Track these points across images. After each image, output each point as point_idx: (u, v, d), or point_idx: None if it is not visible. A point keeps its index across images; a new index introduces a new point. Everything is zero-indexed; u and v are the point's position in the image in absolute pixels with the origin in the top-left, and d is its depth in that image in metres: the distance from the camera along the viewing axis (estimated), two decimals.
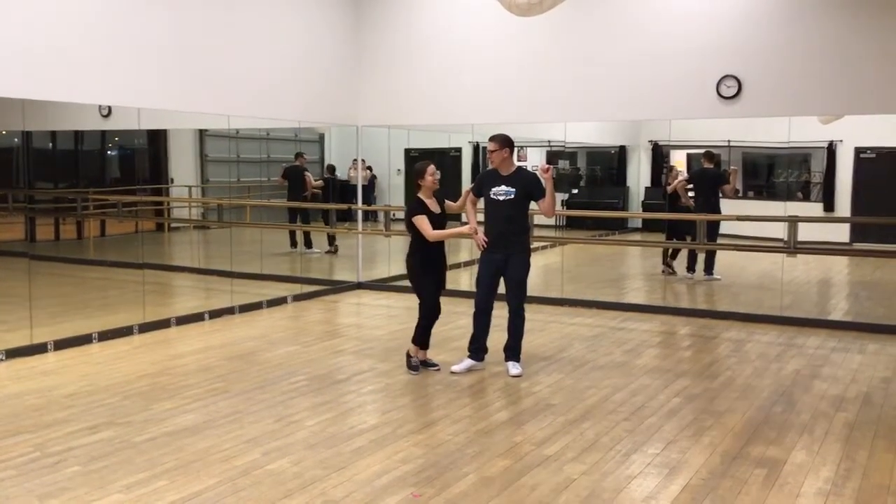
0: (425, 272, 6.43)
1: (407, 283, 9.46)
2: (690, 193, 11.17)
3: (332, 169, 13.88)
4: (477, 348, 6.54)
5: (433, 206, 6.38)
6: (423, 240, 6.31)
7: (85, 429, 5.09)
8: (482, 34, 9.88)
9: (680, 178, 11.34)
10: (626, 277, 12.88)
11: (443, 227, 6.38)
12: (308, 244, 12.96)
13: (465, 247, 13.31)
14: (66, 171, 12.02)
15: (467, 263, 11.80)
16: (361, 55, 10.60)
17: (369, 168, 14.84)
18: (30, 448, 4.74)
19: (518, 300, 6.47)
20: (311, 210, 12.97)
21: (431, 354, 6.65)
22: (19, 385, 6.15)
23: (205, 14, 8.48)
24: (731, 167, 11.63)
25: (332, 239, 13.14)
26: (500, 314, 6.59)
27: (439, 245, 6.42)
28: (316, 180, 13.25)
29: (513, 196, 6.29)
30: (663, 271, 11.34)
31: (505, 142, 6.41)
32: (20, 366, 6.72)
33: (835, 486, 4.27)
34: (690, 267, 11.17)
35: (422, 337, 6.52)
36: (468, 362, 6.52)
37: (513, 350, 6.54)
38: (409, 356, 6.58)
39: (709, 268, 11.12)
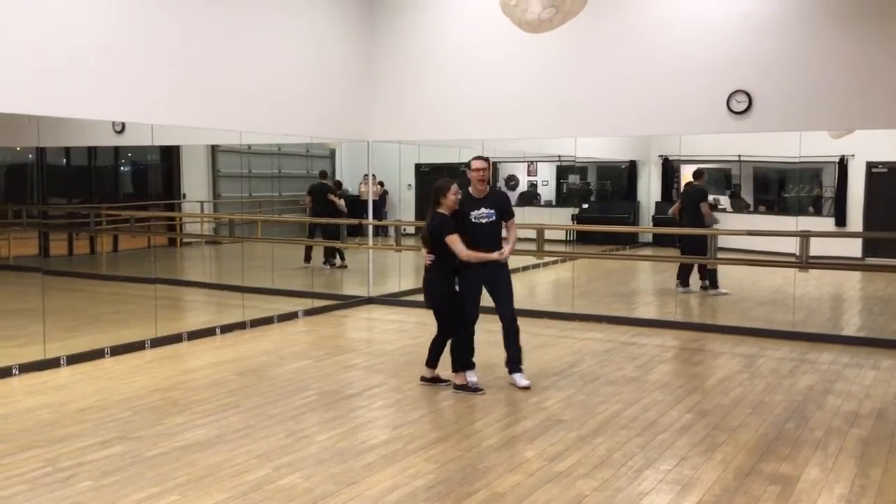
0: (451, 292, 6.37)
1: (418, 297, 9.45)
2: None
3: (339, 185, 13.93)
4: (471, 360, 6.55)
5: None
6: (445, 258, 6.26)
7: (97, 443, 5.11)
8: (492, 50, 9.93)
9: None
10: (637, 292, 12.85)
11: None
12: (332, 256, 12.96)
13: None
14: (79, 187, 12.13)
15: None
16: (372, 71, 10.66)
17: (381, 183, 14.90)
18: (42, 463, 4.76)
19: (512, 307, 6.48)
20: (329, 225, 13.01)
21: (444, 370, 6.62)
22: (32, 399, 6.18)
23: (217, 31, 8.56)
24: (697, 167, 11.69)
25: (341, 254, 13.17)
26: (488, 328, 6.64)
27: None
28: (339, 198, 13.30)
29: (493, 218, 6.41)
30: (678, 286, 11.27)
31: (486, 159, 6.62)
32: (33, 380, 6.75)
33: None
34: (703, 280, 11.14)
35: (464, 354, 6.47)
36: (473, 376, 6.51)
37: (517, 361, 6.53)
38: (464, 387, 6.42)
39: (712, 283, 11.08)
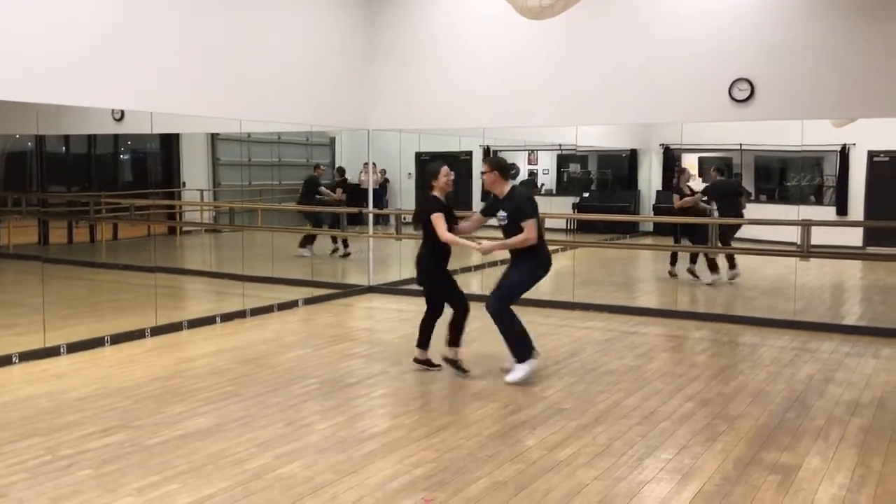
0: (442, 270, 6.43)
1: (417, 286, 9.41)
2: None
3: (342, 171, 13.87)
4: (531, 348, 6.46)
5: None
6: (435, 238, 6.30)
7: (97, 432, 5.10)
8: (493, 37, 9.88)
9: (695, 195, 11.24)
10: (638, 281, 12.85)
11: (450, 232, 6.34)
12: (310, 242, 12.94)
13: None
14: (78, 175, 12.09)
15: (478, 267, 11.78)
16: (372, 59, 10.61)
17: (383, 171, 14.86)
18: (42, 451, 4.76)
19: (495, 298, 6.40)
20: (324, 214, 12.97)
21: (437, 358, 6.61)
22: (32, 388, 6.18)
23: (216, 18, 8.51)
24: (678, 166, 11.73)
25: (345, 242, 13.14)
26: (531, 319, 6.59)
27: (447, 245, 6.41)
28: (335, 189, 13.24)
29: (506, 221, 6.35)
30: (689, 270, 11.25)
31: (493, 164, 6.50)
32: (33, 369, 6.75)
33: (850, 493, 4.23)
34: (732, 269, 11.09)
35: (457, 334, 6.47)
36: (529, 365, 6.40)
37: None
38: (454, 363, 6.48)
39: (712, 268, 11.08)
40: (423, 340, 6.62)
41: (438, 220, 6.25)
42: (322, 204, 12.79)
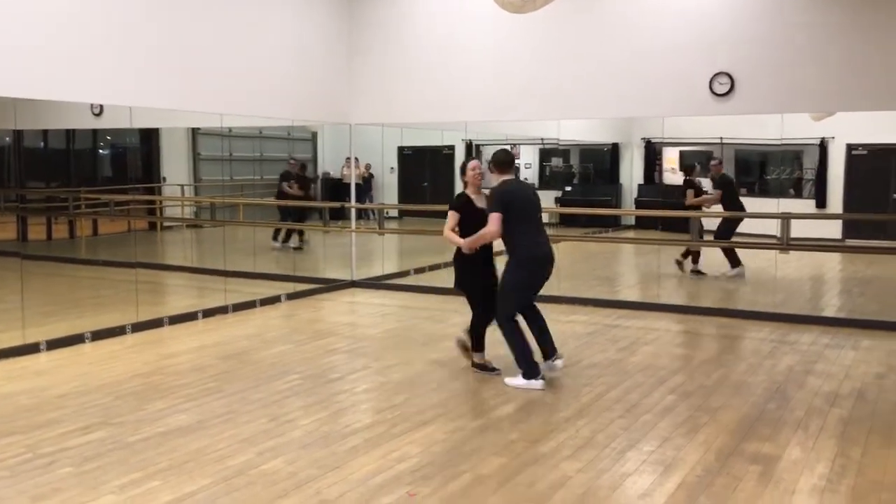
0: (471, 269, 6.29)
1: (401, 280, 9.43)
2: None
3: (303, 167, 13.59)
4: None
5: (479, 201, 6.29)
6: (470, 234, 6.11)
7: (78, 429, 5.06)
8: (475, 31, 9.86)
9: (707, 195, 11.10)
10: (620, 275, 12.90)
11: (483, 224, 6.08)
12: (287, 238, 12.88)
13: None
14: (57, 170, 11.97)
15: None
16: (354, 53, 10.57)
17: (368, 165, 14.82)
18: (22, 449, 4.71)
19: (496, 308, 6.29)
20: (295, 209, 12.86)
21: (421, 353, 6.62)
22: (11, 385, 6.12)
23: (197, 12, 8.44)
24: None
25: (300, 234, 13.03)
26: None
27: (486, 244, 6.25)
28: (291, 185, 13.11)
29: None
30: (693, 271, 11.20)
31: (493, 160, 6.28)
32: (12, 366, 6.68)
33: (830, 483, 4.28)
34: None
35: (476, 340, 6.40)
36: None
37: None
38: (481, 366, 6.40)
39: (694, 260, 11.12)
40: (476, 344, 6.43)
41: (449, 217, 6.21)
42: (284, 197, 12.69)
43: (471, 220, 6.16)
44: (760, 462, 4.56)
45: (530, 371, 6.03)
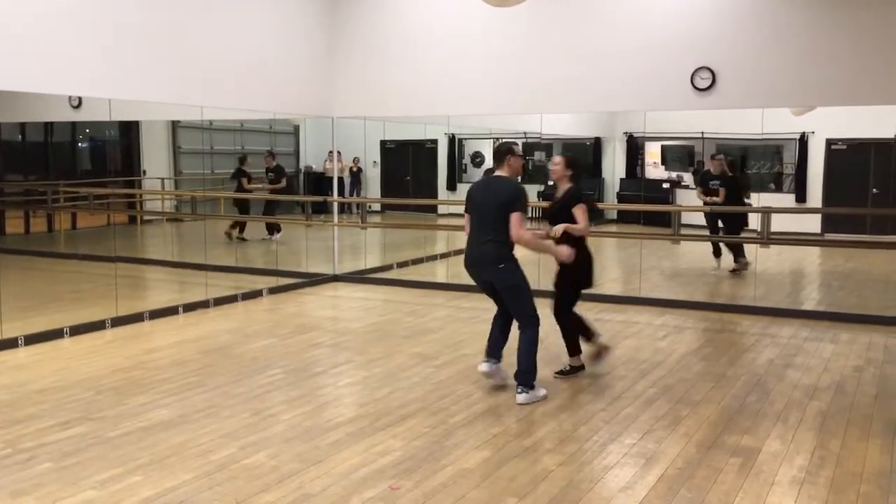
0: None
1: (384, 274, 9.42)
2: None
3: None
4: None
5: (558, 192, 6.20)
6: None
7: (57, 424, 5.02)
8: (458, 25, 9.85)
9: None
10: (602, 269, 12.93)
11: (558, 220, 6.09)
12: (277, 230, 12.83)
13: (440, 238, 13.33)
14: (35, 164, 11.85)
15: (444, 255, 11.78)
16: (336, 46, 10.52)
17: (356, 159, 14.76)
18: (1, 444, 4.67)
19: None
20: (253, 202, 12.81)
21: (404, 347, 6.61)
22: None
23: (177, 3, 8.36)
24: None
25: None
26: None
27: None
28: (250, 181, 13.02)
29: None
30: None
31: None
32: None
33: (809, 475, 4.32)
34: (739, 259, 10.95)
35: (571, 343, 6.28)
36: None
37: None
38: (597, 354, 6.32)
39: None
40: (573, 347, 6.29)
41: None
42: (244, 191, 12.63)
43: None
44: (741, 454, 4.60)
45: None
